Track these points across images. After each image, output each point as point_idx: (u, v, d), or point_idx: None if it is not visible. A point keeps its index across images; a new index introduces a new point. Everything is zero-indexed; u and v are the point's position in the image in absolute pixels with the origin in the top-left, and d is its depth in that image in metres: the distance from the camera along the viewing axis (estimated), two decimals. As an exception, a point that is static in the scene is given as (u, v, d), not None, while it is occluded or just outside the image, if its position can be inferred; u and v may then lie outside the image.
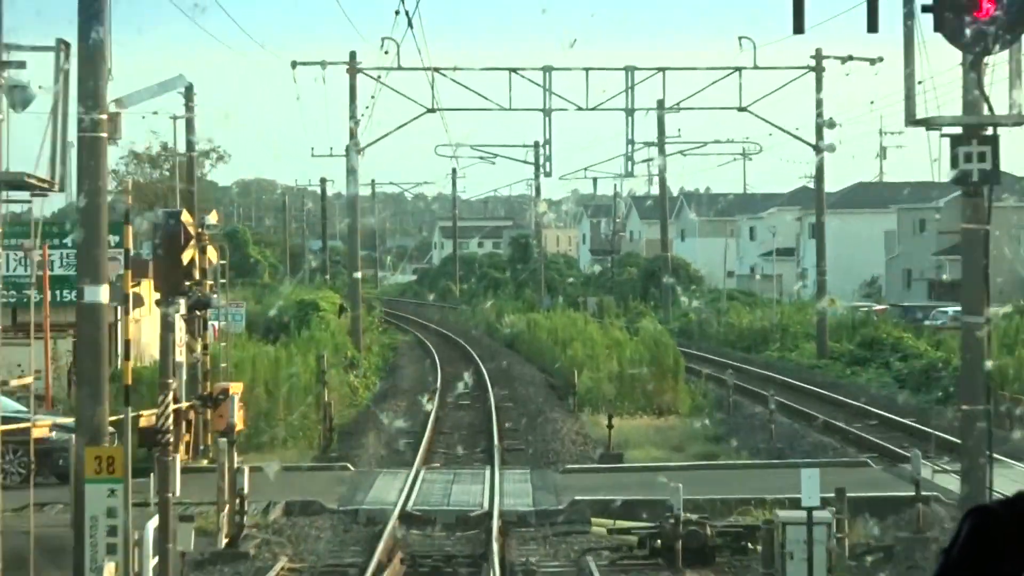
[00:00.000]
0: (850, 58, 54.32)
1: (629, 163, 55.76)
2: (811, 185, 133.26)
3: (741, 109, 54.96)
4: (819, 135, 55.79)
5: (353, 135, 54.74)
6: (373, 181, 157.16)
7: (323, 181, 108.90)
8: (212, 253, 32.76)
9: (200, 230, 32.94)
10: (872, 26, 19.38)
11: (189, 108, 39.14)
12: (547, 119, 54.88)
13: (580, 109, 54.62)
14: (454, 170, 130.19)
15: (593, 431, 37.93)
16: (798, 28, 20.30)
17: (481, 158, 58.00)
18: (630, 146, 55.43)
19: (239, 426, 32.74)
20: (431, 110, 55.35)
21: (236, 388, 32.92)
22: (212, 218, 33.52)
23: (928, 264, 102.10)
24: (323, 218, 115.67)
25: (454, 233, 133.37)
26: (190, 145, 38.51)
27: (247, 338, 55.54)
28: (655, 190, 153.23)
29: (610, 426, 33.01)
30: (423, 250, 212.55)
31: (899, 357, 51.06)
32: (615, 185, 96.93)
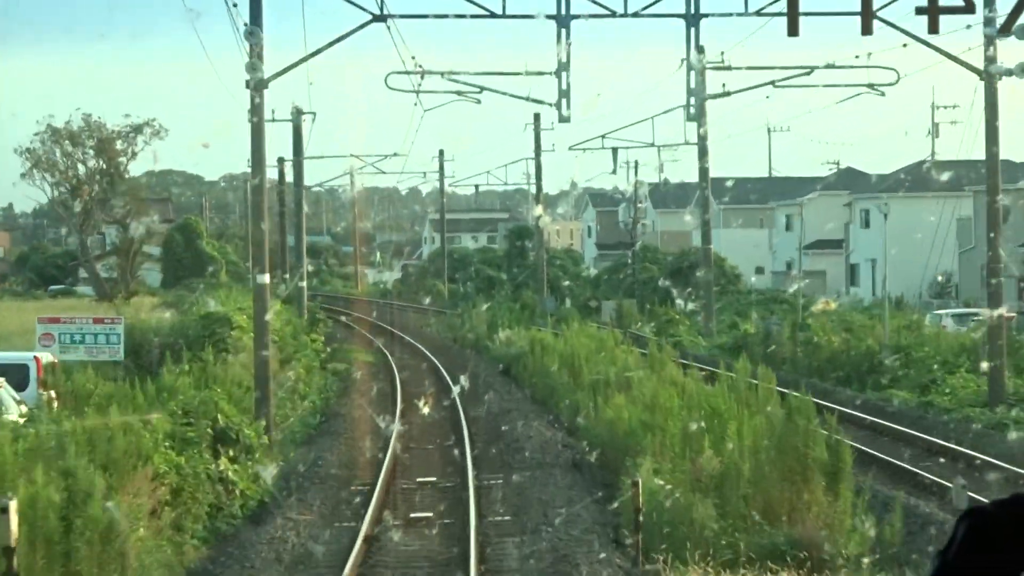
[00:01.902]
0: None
1: (691, 103, 33.90)
2: (847, 168, 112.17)
3: (867, 15, 33.43)
4: (990, 52, 34.19)
5: (256, 51, 32.83)
6: (352, 167, 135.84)
7: (281, 161, 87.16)
8: None
9: None
10: (866, 28, 18.75)
11: None
12: (563, 32, 33.27)
13: (613, 15, 33.08)
14: (441, 152, 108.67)
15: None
16: (792, 31, 17.74)
17: (459, 93, 35.91)
18: (693, 75, 33.49)
19: None
20: (379, 17, 33.58)
21: None
22: None
23: (1015, 257, 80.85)
24: (281, 205, 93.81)
25: (442, 225, 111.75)
26: None
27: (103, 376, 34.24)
28: (670, 179, 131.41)
29: None
30: (415, 246, 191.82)
31: None
32: (634, 174, 75.22)
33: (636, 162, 71.99)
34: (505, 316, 61.74)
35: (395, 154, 63.64)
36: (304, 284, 60.32)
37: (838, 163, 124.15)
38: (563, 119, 33.51)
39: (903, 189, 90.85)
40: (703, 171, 60.16)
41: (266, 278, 32.80)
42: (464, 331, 64.29)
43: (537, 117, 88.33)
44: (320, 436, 33.93)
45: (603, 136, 61.64)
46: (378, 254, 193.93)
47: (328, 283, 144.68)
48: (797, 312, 54.89)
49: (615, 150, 61.62)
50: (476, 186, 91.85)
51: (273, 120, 61.97)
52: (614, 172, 62.72)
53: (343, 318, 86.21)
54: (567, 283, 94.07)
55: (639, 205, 77.72)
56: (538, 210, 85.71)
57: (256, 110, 33.03)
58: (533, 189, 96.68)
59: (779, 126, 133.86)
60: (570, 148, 63.20)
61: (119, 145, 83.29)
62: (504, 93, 35.51)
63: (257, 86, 32.91)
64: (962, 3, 16.29)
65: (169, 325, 45.98)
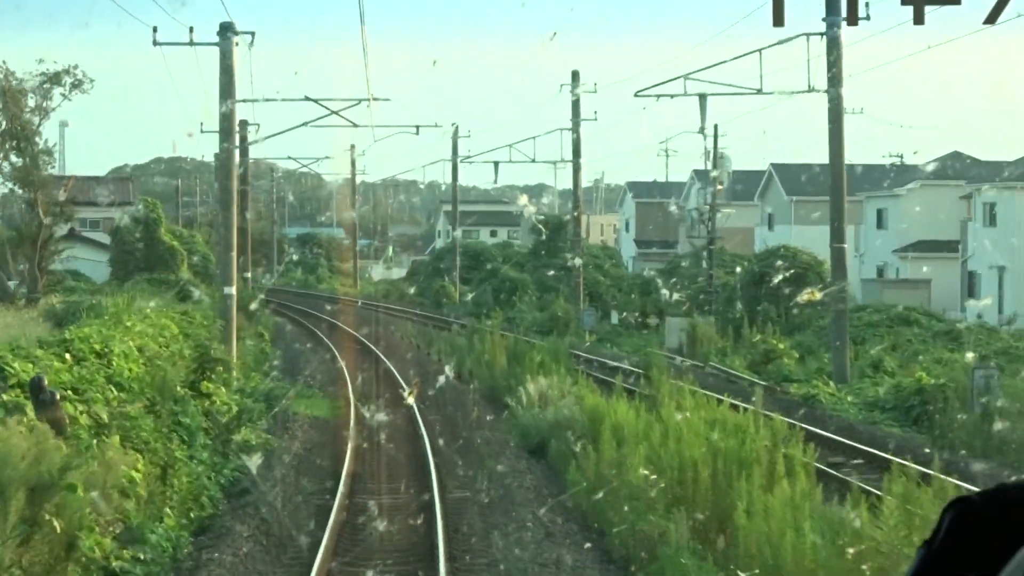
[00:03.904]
0: None
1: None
2: (953, 152, 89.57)
3: None
4: None
5: None
6: (353, 147, 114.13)
7: (244, 126, 65.08)
8: None
9: None
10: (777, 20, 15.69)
11: None
12: None
13: None
14: (455, 126, 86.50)
15: None
16: (778, 21, 15.21)
17: None
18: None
19: None
20: None
21: None
22: None
23: None
24: (242, 183, 71.80)
25: (454, 213, 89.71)
26: None
27: None
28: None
29: None
30: (428, 240, 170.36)
31: None
32: (715, 143, 52.64)
33: (716, 127, 48.92)
34: (534, 346, 39.58)
35: (373, 98, 40.68)
36: (232, 290, 38.44)
37: (902, 156, 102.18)
38: None
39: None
40: (835, 113, 38.11)
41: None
42: (473, 362, 42.17)
43: (575, 75, 66.65)
44: None
45: (685, 77, 39.42)
46: (390, 248, 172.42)
47: (325, 280, 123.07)
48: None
49: (703, 97, 39.33)
50: (495, 163, 69.84)
51: (192, 44, 40.01)
52: (702, 130, 40.22)
53: (318, 329, 64.34)
54: (608, 287, 72.03)
55: (720, 186, 55.13)
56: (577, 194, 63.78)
57: None
58: (559, 184, 75.14)
59: (851, 108, 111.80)
60: (636, 94, 40.88)
61: (31, 100, 61.46)
62: None
63: None
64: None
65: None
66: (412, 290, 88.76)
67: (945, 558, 2.39)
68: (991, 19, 14.96)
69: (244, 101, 39.14)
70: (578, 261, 64.80)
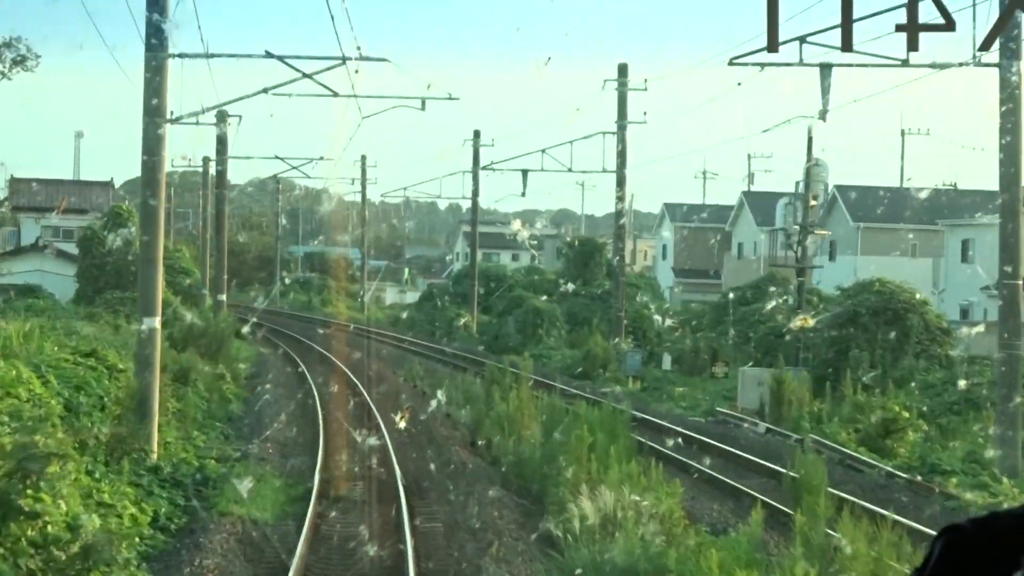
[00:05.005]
0: None
1: None
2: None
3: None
4: None
5: None
6: (364, 158, 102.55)
7: (218, 116, 53.15)
8: None
9: None
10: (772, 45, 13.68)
11: None
12: None
13: None
14: (476, 132, 74.52)
15: None
16: (772, 47, 13.97)
17: None
18: None
19: None
20: None
21: None
22: None
23: None
24: (215, 195, 60.22)
25: (474, 229, 77.69)
26: None
27: None
28: (760, 187, 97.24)
29: None
30: (445, 263, 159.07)
31: None
32: (809, 148, 40.37)
33: (811, 126, 36.59)
34: (578, 408, 27.51)
35: (361, 56, 28.46)
36: (155, 323, 26.55)
37: (955, 184, 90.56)
38: None
39: None
40: (1011, 97, 26.25)
41: None
42: (494, 425, 30.13)
43: (623, 69, 54.88)
44: None
45: (801, 39, 27.56)
46: (406, 270, 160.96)
47: (330, 303, 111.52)
48: None
49: (826, 68, 27.48)
50: (524, 171, 58.01)
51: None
52: (823, 115, 27.40)
53: (304, 362, 52.40)
54: (656, 321, 59.85)
55: (813, 201, 42.31)
56: (621, 208, 51.87)
57: None
58: (586, 208, 63.47)
59: (914, 128, 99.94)
60: (731, 62, 28.86)
61: (-35, 77, 49.92)
62: None
63: None
64: (943, 21, 13.22)
65: None
66: (405, 315, 77.42)
67: None
68: (985, 46, 14.54)
69: (180, 56, 27.24)
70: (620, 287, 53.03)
